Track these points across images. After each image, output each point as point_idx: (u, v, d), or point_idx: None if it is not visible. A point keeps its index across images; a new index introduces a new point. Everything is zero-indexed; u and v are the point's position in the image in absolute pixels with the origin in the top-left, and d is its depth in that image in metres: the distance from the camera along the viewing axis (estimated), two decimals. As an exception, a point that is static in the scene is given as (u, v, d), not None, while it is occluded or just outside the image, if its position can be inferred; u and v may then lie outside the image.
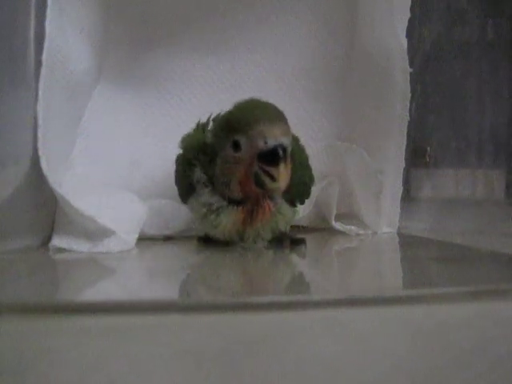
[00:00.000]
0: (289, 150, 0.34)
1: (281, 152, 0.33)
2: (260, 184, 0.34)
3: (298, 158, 0.38)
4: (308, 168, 0.41)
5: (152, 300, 0.23)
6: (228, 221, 0.37)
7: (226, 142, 0.35)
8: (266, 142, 0.33)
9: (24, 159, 0.36)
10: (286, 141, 0.33)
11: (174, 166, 0.41)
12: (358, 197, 0.48)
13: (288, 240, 0.40)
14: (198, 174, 0.38)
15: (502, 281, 0.28)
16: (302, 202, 0.41)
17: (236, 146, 0.34)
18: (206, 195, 0.37)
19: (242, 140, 0.34)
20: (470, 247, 0.39)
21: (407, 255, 0.39)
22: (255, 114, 0.34)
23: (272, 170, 0.33)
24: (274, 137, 0.33)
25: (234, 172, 0.35)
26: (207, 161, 0.37)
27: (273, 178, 0.33)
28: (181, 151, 0.40)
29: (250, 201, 0.36)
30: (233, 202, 0.36)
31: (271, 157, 0.33)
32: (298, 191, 0.40)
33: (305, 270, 0.35)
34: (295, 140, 0.39)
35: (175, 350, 0.18)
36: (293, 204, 0.40)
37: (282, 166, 0.33)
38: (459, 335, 0.19)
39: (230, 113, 0.37)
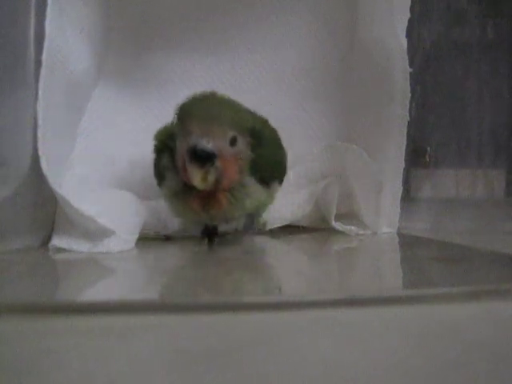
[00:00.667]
0: (214, 153, 0.34)
1: (200, 154, 0.33)
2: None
3: (268, 137, 0.39)
4: (280, 147, 0.42)
5: (152, 300, 0.23)
6: (185, 205, 0.37)
7: (179, 130, 0.36)
8: (191, 140, 0.34)
9: (24, 159, 0.36)
10: (209, 144, 0.33)
11: None
12: (358, 197, 0.48)
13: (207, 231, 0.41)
14: (165, 160, 0.38)
15: (502, 281, 0.28)
16: (280, 182, 0.42)
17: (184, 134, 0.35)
18: (170, 180, 0.38)
19: (180, 132, 0.35)
20: (469, 247, 0.39)
21: (407, 255, 0.39)
22: (194, 110, 0.36)
23: (189, 168, 0.34)
24: (198, 137, 0.34)
25: (179, 158, 0.36)
26: (173, 148, 0.37)
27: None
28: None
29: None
30: (192, 187, 0.36)
31: (193, 155, 0.34)
32: (271, 171, 0.40)
33: (304, 269, 0.35)
34: (263, 122, 0.41)
35: (175, 350, 0.18)
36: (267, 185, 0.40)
37: (195, 167, 0.33)
38: (459, 335, 0.19)
39: (182, 103, 0.37)
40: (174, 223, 0.45)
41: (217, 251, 0.38)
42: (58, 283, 0.30)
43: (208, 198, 0.37)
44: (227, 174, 0.35)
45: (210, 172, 0.34)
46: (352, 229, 0.47)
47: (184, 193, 0.37)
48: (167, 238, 0.43)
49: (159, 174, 0.40)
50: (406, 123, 0.47)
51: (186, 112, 0.36)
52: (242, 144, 0.37)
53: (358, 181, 0.47)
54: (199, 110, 0.35)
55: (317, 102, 0.52)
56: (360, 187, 0.47)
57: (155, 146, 0.40)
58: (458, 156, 0.58)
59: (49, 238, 0.38)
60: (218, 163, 0.34)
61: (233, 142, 0.35)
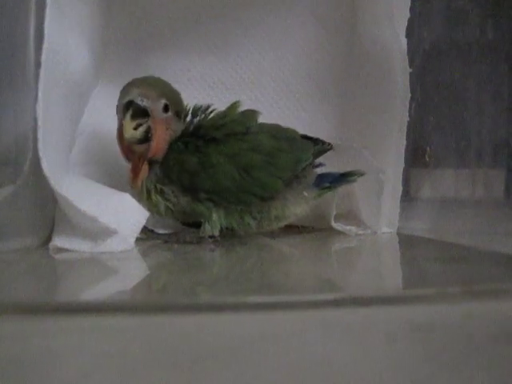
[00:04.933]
0: (147, 108, 0.39)
1: (134, 107, 0.39)
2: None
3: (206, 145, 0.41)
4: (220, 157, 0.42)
5: (152, 300, 0.23)
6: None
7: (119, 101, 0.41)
8: (127, 97, 0.39)
9: (24, 159, 0.36)
10: (143, 102, 0.39)
11: None
12: (358, 197, 0.48)
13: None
14: None
15: (502, 281, 0.28)
16: (219, 197, 0.42)
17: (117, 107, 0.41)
18: None
19: (119, 102, 0.40)
20: (469, 247, 0.39)
21: (406, 255, 0.40)
22: (133, 80, 0.41)
23: (124, 122, 0.39)
24: (130, 95, 0.39)
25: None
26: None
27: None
28: None
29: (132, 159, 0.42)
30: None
31: (127, 109, 0.39)
32: (191, 178, 0.41)
33: (304, 269, 0.35)
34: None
35: (175, 350, 0.18)
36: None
37: (128, 119, 0.39)
38: (458, 335, 0.19)
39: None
40: (173, 223, 0.45)
41: (216, 251, 0.38)
42: (58, 283, 0.30)
43: (134, 170, 0.41)
44: (156, 137, 0.40)
45: (141, 125, 0.39)
46: (352, 229, 0.47)
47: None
48: (165, 242, 0.43)
49: None
50: (406, 123, 0.47)
51: (127, 83, 0.41)
52: (174, 118, 0.41)
53: (358, 180, 0.47)
54: (138, 79, 0.41)
55: (317, 102, 0.52)
56: (360, 187, 0.47)
57: None
58: (458, 156, 0.58)
59: (49, 238, 0.38)
60: (149, 122, 0.40)
61: (165, 108, 0.41)
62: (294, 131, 0.45)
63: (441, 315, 0.22)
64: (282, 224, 0.44)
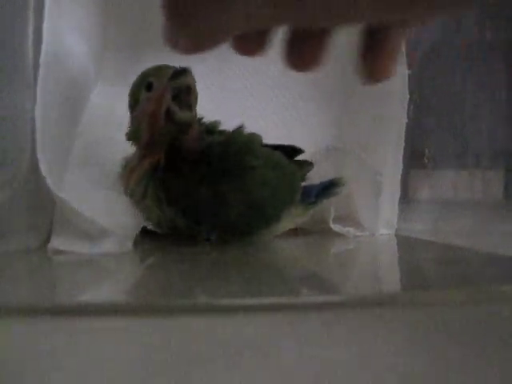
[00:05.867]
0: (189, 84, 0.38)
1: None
2: (171, 118, 0.38)
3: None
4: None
5: (150, 302, 0.23)
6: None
7: (139, 87, 0.39)
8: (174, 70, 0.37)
9: (23, 160, 0.36)
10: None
11: None
12: (356, 199, 0.48)
13: None
14: None
15: (501, 282, 0.28)
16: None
17: (149, 86, 0.39)
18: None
19: (154, 79, 0.38)
20: (468, 248, 0.39)
21: (405, 257, 0.40)
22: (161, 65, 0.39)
23: (183, 82, 0.37)
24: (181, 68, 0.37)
25: (144, 112, 0.39)
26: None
27: (185, 105, 0.38)
28: None
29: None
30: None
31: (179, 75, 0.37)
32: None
33: (303, 271, 0.35)
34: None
35: (174, 351, 0.18)
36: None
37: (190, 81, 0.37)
38: (458, 336, 0.19)
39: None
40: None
41: (216, 252, 0.38)
42: (56, 284, 0.29)
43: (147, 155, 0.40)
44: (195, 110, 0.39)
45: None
46: (350, 231, 0.47)
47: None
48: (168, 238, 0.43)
49: None
50: (405, 125, 0.47)
51: (154, 68, 0.40)
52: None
53: (356, 182, 0.48)
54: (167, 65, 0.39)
55: (314, 105, 0.52)
56: (358, 189, 0.48)
57: None
58: (456, 157, 0.58)
59: (47, 240, 0.37)
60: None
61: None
62: (282, 157, 0.43)
63: (439, 317, 0.22)
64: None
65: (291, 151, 0.45)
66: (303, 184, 0.45)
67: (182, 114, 0.38)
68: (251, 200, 0.39)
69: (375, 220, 0.48)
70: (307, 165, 0.45)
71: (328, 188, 0.45)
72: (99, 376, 0.15)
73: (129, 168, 0.41)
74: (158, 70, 0.38)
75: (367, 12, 0.18)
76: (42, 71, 0.36)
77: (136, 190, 0.40)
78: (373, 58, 0.23)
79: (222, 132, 0.42)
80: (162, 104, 0.38)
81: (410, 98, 0.46)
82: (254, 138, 0.42)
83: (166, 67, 0.38)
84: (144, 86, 0.39)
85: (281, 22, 0.20)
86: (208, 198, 0.38)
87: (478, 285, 0.27)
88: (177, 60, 0.51)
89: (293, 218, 0.44)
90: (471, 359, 0.17)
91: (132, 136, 0.41)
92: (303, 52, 0.22)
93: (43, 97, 0.35)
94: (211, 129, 0.42)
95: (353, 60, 0.22)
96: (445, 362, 0.16)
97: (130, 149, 0.47)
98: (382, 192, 0.47)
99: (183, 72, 0.37)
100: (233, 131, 0.42)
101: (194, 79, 0.38)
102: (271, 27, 0.21)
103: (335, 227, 0.47)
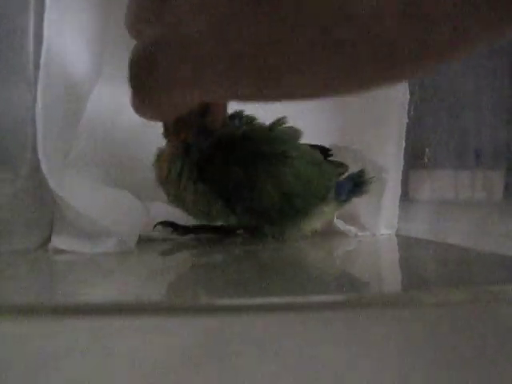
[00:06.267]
0: None
1: None
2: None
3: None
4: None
5: (151, 301, 0.23)
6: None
7: None
8: None
9: (23, 160, 0.36)
10: None
11: None
12: (360, 198, 0.48)
13: None
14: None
15: (501, 282, 0.28)
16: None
17: None
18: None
19: None
20: (468, 249, 0.39)
21: (406, 257, 0.40)
22: None
23: None
24: None
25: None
26: None
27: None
28: None
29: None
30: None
31: None
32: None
33: (303, 271, 0.35)
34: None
35: (174, 351, 0.18)
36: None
37: None
38: (458, 337, 0.19)
39: None
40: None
41: (216, 252, 0.38)
42: (57, 284, 0.29)
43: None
44: None
45: None
46: (351, 229, 0.47)
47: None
48: (168, 238, 0.43)
49: None
50: (405, 124, 0.47)
51: None
52: None
53: None
54: None
55: (316, 104, 0.52)
56: None
57: None
58: (457, 157, 0.58)
59: (48, 239, 0.37)
60: None
61: None
62: (319, 154, 0.44)
63: (440, 317, 0.22)
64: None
65: (320, 150, 0.45)
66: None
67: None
68: (283, 189, 0.40)
69: (376, 220, 0.48)
70: (341, 165, 0.45)
71: (358, 186, 0.45)
72: (99, 376, 0.15)
73: (163, 156, 0.40)
74: None
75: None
76: (42, 71, 0.36)
77: (170, 175, 0.39)
78: None
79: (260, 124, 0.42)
80: None
81: (410, 98, 0.46)
82: (294, 131, 0.42)
83: None
84: None
85: (240, 99, 0.21)
86: (241, 180, 0.38)
87: (478, 285, 0.27)
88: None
89: (323, 216, 0.44)
90: (471, 359, 0.17)
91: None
92: None
93: (44, 96, 0.35)
94: (249, 120, 0.41)
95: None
96: (445, 362, 0.16)
97: (129, 147, 0.47)
98: (384, 191, 0.47)
99: None
100: (274, 121, 0.42)
101: None
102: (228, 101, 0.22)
103: (338, 223, 0.47)
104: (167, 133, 0.40)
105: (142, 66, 0.21)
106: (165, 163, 0.40)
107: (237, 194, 0.39)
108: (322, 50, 0.17)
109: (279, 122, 0.42)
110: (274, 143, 0.40)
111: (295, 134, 0.42)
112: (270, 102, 0.22)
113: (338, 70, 0.17)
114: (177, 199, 0.40)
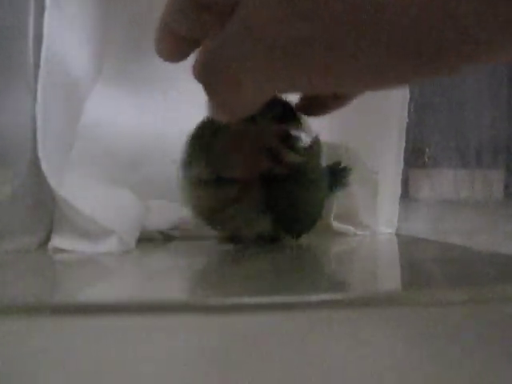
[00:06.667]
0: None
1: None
2: (277, 158, 0.34)
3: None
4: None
5: (151, 300, 0.23)
6: (217, 195, 0.36)
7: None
8: (282, 107, 0.33)
9: (23, 160, 0.36)
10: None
11: (174, 166, 0.40)
12: (356, 197, 0.48)
13: None
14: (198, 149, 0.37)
15: (501, 281, 0.28)
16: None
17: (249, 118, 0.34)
18: (198, 168, 0.36)
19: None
20: (468, 248, 0.39)
21: (406, 256, 0.40)
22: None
23: (292, 126, 0.33)
24: (287, 103, 0.33)
25: (244, 148, 0.35)
26: (210, 134, 0.36)
27: (292, 147, 0.34)
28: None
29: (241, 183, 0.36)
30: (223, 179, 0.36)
31: (289, 116, 0.33)
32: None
33: (304, 270, 0.35)
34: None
35: (174, 350, 0.18)
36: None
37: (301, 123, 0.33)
38: (458, 335, 0.19)
39: None
40: (173, 223, 0.45)
41: (215, 252, 0.38)
42: (57, 283, 0.30)
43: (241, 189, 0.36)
44: None
45: None
46: (351, 228, 0.47)
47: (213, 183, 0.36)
48: (168, 238, 0.43)
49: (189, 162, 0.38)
50: (405, 124, 0.47)
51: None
52: None
53: (354, 181, 0.48)
54: None
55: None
56: (357, 187, 0.48)
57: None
58: (457, 156, 0.58)
59: (48, 239, 0.37)
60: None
61: None
62: (326, 169, 0.43)
63: (439, 316, 0.22)
64: None
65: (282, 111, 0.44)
66: None
67: (291, 156, 0.35)
68: (311, 209, 0.41)
69: (375, 218, 0.48)
70: (345, 170, 0.46)
71: (336, 178, 0.45)
72: (99, 376, 0.15)
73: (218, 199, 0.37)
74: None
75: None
76: (42, 71, 0.36)
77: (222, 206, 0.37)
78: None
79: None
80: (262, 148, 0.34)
81: (410, 98, 0.46)
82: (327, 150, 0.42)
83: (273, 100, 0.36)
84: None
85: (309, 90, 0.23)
86: (302, 200, 0.38)
87: (478, 284, 0.27)
88: (178, 64, 0.51)
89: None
90: (471, 359, 0.17)
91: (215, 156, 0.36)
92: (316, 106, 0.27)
93: (44, 96, 0.35)
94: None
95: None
96: (445, 362, 0.16)
97: (129, 147, 0.47)
98: (383, 191, 0.47)
99: (290, 110, 0.33)
100: (334, 163, 0.43)
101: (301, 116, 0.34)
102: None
103: (336, 224, 0.47)
104: (231, 170, 0.36)
105: (213, 69, 0.22)
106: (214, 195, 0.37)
107: (291, 214, 0.39)
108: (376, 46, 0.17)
109: (316, 142, 0.40)
110: (319, 176, 0.40)
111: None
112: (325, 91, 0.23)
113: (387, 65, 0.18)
114: (214, 222, 0.39)
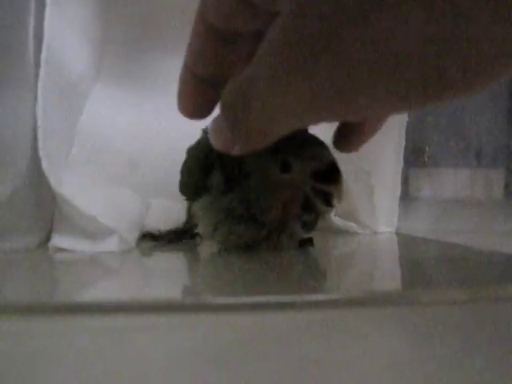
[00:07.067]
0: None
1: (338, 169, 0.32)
2: (310, 208, 0.33)
3: None
4: None
5: (152, 300, 0.23)
6: (247, 233, 0.35)
7: (269, 162, 0.33)
8: (321, 161, 0.32)
9: (23, 159, 0.36)
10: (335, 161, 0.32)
11: (183, 159, 0.39)
12: (354, 196, 0.48)
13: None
14: (218, 177, 0.35)
15: (501, 281, 0.28)
16: None
17: (285, 166, 0.33)
18: (224, 201, 0.35)
19: (293, 160, 0.32)
20: (468, 247, 0.39)
21: (406, 255, 0.40)
22: (302, 135, 0.33)
23: (332, 187, 0.32)
24: (327, 156, 0.32)
25: (278, 195, 0.34)
26: (231, 168, 0.35)
27: (327, 201, 0.32)
28: (200, 146, 0.38)
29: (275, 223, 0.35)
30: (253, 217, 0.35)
31: (328, 175, 0.32)
32: None
33: (304, 270, 0.35)
34: None
35: (174, 350, 0.18)
36: None
37: (341, 184, 0.32)
38: (458, 335, 0.19)
39: None
40: (173, 223, 0.45)
41: (216, 252, 0.38)
42: (57, 283, 0.29)
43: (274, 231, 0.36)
44: None
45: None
46: (352, 225, 0.47)
47: (246, 220, 0.35)
48: (169, 241, 0.42)
49: (200, 187, 0.37)
50: (405, 123, 0.47)
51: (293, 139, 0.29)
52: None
53: (350, 181, 0.47)
54: (308, 136, 0.34)
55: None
56: (354, 188, 0.47)
57: (204, 154, 0.36)
58: (457, 156, 0.58)
59: (48, 238, 0.38)
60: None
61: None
62: None
63: (440, 316, 0.22)
64: None
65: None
66: None
67: (325, 209, 0.34)
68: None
69: (373, 218, 0.48)
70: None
71: None
72: (99, 375, 0.15)
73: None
74: (298, 149, 0.32)
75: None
76: (42, 70, 0.36)
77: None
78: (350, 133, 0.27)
79: None
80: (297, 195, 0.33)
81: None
82: None
83: (308, 145, 0.33)
84: (279, 164, 0.33)
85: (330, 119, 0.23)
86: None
87: (478, 283, 0.27)
88: (177, 58, 0.51)
89: None
90: (471, 359, 0.17)
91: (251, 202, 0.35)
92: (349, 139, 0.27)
93: (44, 95, 0.35)
94: None
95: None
96: (445, 362, 0.16)
97: (129, 146, 0.47)
98: (383, 190, 0.47)
99: (326, 152, 0.32)
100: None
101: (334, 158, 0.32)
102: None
103: (337, 220, 0.47)
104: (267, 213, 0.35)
105: (237, 99, 0.21)
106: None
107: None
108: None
109: None
110: None
111: None
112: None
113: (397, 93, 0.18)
114: (226, 241, 0.37)
